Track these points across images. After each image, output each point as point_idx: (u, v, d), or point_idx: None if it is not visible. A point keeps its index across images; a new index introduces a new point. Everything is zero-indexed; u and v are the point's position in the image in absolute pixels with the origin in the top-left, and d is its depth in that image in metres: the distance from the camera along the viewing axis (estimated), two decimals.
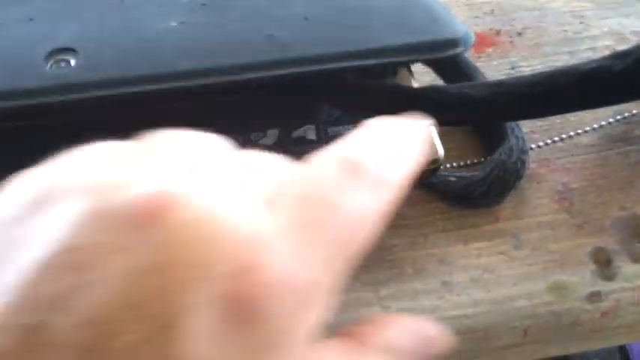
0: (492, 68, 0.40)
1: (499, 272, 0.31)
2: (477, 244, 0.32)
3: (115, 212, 0.14)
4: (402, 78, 0.36)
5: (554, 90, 0.31)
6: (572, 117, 0.37)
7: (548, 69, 0.39)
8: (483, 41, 0.42)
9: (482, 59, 0.41)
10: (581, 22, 0.44)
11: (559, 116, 0.37)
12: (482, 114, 0.33)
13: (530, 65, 0.41)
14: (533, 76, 0.32)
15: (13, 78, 0.28)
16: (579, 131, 0.36)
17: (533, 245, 0.32)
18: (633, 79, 0.29)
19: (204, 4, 0.31)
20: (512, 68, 0.40)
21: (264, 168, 0.17)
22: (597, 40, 0.42)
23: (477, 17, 0.44)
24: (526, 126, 0.37)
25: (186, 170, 0.16)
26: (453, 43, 0.30)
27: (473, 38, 0.30)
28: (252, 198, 0.16)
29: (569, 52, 0.41)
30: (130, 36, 0.29)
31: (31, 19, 0.31)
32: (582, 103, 0.32)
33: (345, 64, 0.29)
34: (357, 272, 0.30)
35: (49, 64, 0.28)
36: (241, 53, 0.28)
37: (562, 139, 0.36)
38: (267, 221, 0.15)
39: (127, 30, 0.30)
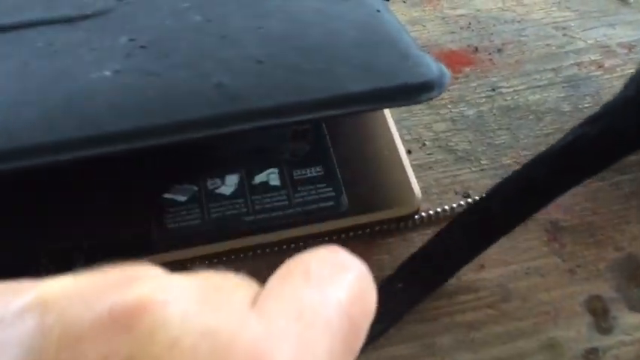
0: (471, 91, 0.37)
1: (487, 330, 0.28)
2: (462, 297, 0.29)
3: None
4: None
5: (536, 184, 0.27)
6: None
7: (529, 89, 0.36)
8: (460, 60, 0.39)
9: (460, 80, 0.38)
10: (564, 35, 0.41)
11: (544, 144, 0.34)
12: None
13: (512, 86, 0.38)
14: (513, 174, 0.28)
15: None
16: None
17: (522, 296, 0.29)
18: (610, 142, 0.26)
19: (143, 47, 0.27)
20: (493, 90, 0.37)
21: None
22: (582, 54, 0.40)
23: (452, 32, 0.41)
24: (509, 157, 0.34)
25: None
26: (427, 86, 0.26)
27: (448, 77, 0.27)
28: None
29: (554, 70, 0.38)
30: (55, 90, 0.25)
31: None
32: (572, 181, 0.28)
33: (304, 116, 0.25)
34: None
35: None
36: (185, 107, 0.24)
37: None
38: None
39: (53, 83, 0.25)
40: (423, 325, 0.28)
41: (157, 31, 0.28)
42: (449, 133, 0.35)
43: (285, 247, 0.30)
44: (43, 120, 0.24)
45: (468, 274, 0.30)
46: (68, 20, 0.29)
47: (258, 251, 0.30)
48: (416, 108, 0.36)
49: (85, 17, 0.29)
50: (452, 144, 0.35)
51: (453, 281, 0.29)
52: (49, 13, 0.29)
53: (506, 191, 0.27)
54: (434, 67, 0.26)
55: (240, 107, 0.24)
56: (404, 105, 0.27)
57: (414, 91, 0.26)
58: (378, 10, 0.29)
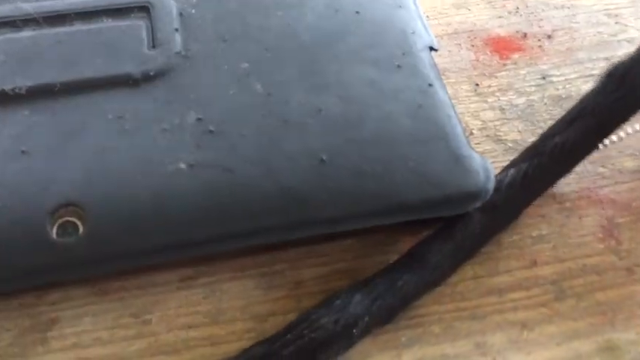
0: (521, 79, 0.36)
1: (540, 330, 0.27)
2: (513, 295, 0.27)
3: None
4: None
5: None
6: (614, 136, 0.32)
7: (581, 78, 0.35)
8: (509, 46, 0.38)
9: (508, 67, 0.36)
10: (616, 23, 0.39)
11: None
12: None
13: (563, 75, 0.36)
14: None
15: (15, 251, 0.24)
16: (625, 154, 0.32)
17: (577, 295, 0.27)
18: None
19: (211, 132, 0.27)
20: (543, 78, 0.36)
21: None
22: (636, 44, 0.38)
23: (500, 17, 0.39)
24: None
25: None
26: (473, 197, 0.26)
27: (492, 183, 0.27)
28: None
29: (606, 59, 0.37)
30: (138, 186, 0.25)
31: (24, 152, 0.26)
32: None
33: (360, 224, 0.27)
34: (374, 333, 0.26)
35: (54, 230, 0.24)
36: (260, 213, 0.25)
37: (604, 165, 0.32)
38: None
39: (133, 175, 0.26)
40: (474, 322, 0.27)
41: (222, 106, 0.28)
42: (497, 123, 0.34)
43: None
44: (131, 225, 0.25)
45: (519, 270, 0.28)
46: (133, 82, 0.28)
47: None
48: (462, 95, 0.35)
49: (149, 78, 0.28)
50: (500, 134, 0.33)
51: (503, 278, 0.28)
52: (110, 69, 0.28)
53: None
54: (481, 173, 0.26)
55: (307, 216, 0.25)
56: (445, 214, 0.27)
57: (460, 202, 0.26)
58: (431, 85, 0.29)
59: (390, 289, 0.25)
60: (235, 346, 0.26)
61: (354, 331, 0.24)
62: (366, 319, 0.24)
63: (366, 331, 0.25)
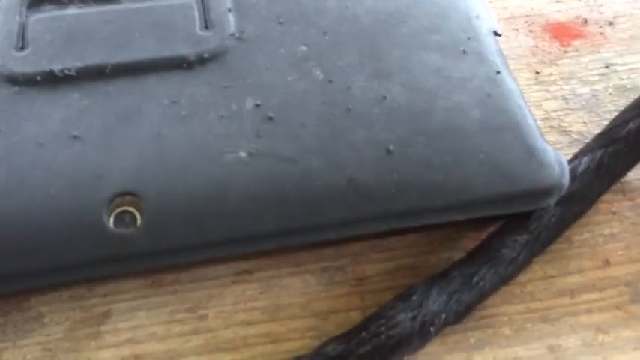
0: (583, 67, 0.34)
1: (616, 333, 0.25)
2: (586, 296, 0.26)
3: None
4: None
5: None
6: None
7: None
8: (569, 32, 0.36)
9: (569, 55, 0.35)
10: None
11: None
12: None
13: (627, 64, 0.34)
14: None
15: (71, 243, 0.23)
16: None
17: None
18: None
19: (271, 118, 0.25)
20: (607, 67, 0.34)
21: None
22: None
23: (558, 2, 0.38)
24: None
25: None
26: (548, 192, 0.25)
27: (567, 178, 0.25)
28: None
29: None
30: (196, 174, 0.24)
31: (76, 137, 0.25)
32: None
33: (431, 220, 0.25)
34: (443, 334, 0.25)
35: (111, 220, 0.23)
36: (322, 207, 0.24)
37: None
38: None
39: (191, 163, 0.24)
40: (546, 324, 0.25)
41: (281, 92, 0.26)
42: (561, 113, 0.32)
43: None
44: (189, 216, 0.23)
45: (591, 270, 0.27)
46: (187, 65, 0.27)
47: None
48: (522, 83, 0.33)
49: (203, 61, 0.27)
50: (565, 125, 0.32)
51: (575, 278, 0.27)
52: (163, 51, 0.27)
53: None
54: (556, 167, 0.25)
55: (373, 210, 0.24)
56: (519, 210, 0.25)
57: (535, 198, 0.25)
58: (498, 72, 0.27)
59: (467, 285, 0.24)
60: (297, 344, 0.25)
61: (431, 328, 0.23)
62: (444, 315, 0.23)
63: (441, 329, 0.24)
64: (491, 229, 0.27)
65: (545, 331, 0.25)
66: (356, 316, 0.25)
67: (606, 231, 0.28)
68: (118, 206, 0.24)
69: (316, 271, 0.27)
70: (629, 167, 0.28)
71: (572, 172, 0.26)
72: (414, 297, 0.23)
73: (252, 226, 0.24)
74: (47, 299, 0.25)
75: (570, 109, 0.32)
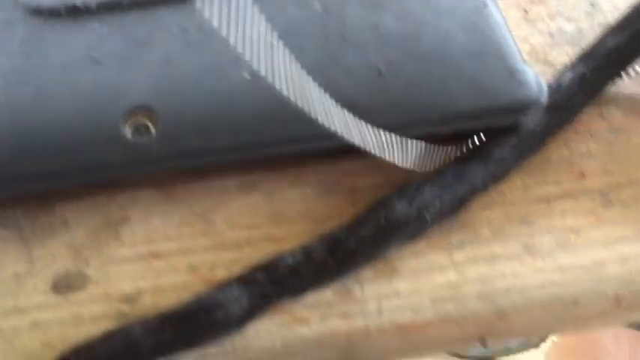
0: (570, 6, 0.36)
1: (587, 234, 0.28)
2: (561, 203, 0.28)
3: None
4: None
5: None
6: None
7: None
8: None
9: None
10: None
11: None
12: None
13: (613, 2, 0.36)
14: None
15: (94, 149, 0.26)
16: None
17: (624, 204, 0.28)
18: None
19: (272, 45, 0.28)
20: (592, 5, 0.36)
21: None
22: None
23: None
24: None
25: None
26: (526, 107, 0.27)
27: (545, 94, 0.28)
28: None
29: None
30: (204, 91, 0.27)
31: (96, 60, 0.28)
32: None
33: (413, 131, 0.27)
34: (428, 237, 0.27)
35: (128, 131, 0.26)
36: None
37: None
38: None
39: (200, 81, 0.27)
40: (523, 226, 0.28)
41: (282, 22, 0.29)
42: (547, 47, 0.34)
43: None
44: (199, 126, 0.26)
45: (567, 182, 0.29)
46: None
47: None
48: (511, 21, 0.35)
49: None
50: (551, 58, 0.34)
51: (551, 188, 0.29)
52: None
53: None
54: (534, 85, 0.27)
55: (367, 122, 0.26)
56: (498, 123, 0.28)
57: (513, 112, 0.27)
58: (485, 5, 0.30)
59: (458, 179, 0.27)
60: (296, 243, 0.27)
61: (427, 215, 0.26)
62: (437, 203, 0.26)
63: (436, 219, 0.26)
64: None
65: (522, 232, 0.28)
66: (348, 221, 0.28)
67: (583, 149, 0.30)
68: (134, 119, 0.26)
69: (314, 184, 0.29)
70: (609, 81, 0.30)
71: (558, 84, 0.29)
72: (410, 189, 0.26)
73: (255, 135, 0.27)
74: (70, 206, 0.28)
75: (556, 43, 0.35)
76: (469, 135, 0.29)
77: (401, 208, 0.26)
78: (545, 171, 0.29)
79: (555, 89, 0.29)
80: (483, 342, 0.27)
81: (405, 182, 0.27)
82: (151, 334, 0.24)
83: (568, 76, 0.29)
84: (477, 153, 0.28)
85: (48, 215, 0.28)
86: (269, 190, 0.29)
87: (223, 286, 0.25)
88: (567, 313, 0.26)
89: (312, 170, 0.30)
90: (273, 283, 0.25)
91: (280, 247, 0.27)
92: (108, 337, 0.24)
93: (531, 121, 0.28)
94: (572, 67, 0.30)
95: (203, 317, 0.24)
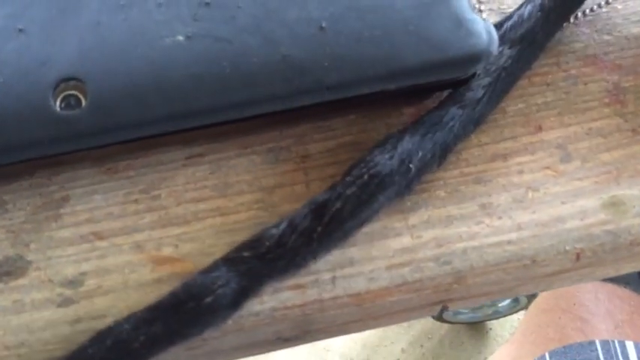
0: None
1: (545, 190, 0.27)
2: (518, 159, 0.28)
3: None
4: None
5: None
6: (620, 4, 0.32)
7: None
8: None
9: None
10: None
11: (604, 6, 0.32)
12: None
13: None
14: None
15: (22, 124, 0.25)
16: (631, 20, 0.31)
17: (582, 157, 0.28)
18: None
19: (207, 3, 0.26)
20: None
21: None
22: None
23: None
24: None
25: None
26: (476, 58, 0.26)
27: (496, 44, 0.26)
28: None
29: None
30: (136, 58, 0.25)
31: (20, 30, 0.26)
32: None
33: (363, 90, 0.26)
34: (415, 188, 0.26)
35: (58, 103, 0.25)
36: (258, 82, 0.25)
37: (610, 32, 0.31)
38: None
39: (131, 48, 0.25)
40: (479, 185, 0.27)
41: None
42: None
43: None
44: (132, 95, 0.25)
45: (524, 136, 0.28)
46: None
47: None
48: None
49: None
50: (504, 7, 0.33)
51: (508, 144, 0.28)
52: None
53: None
54: (484, 35, 0.26)
55: (307, 83, 0.25)
56: (449, 76, 0.27)
57: (464, 64, 0.26)
58: None
59: (438, 125, 0.26)
60: (244, 216, 0.26)
61: (410, 165, 0.25)
62: (420, 153, 0.25)
63: (422, 169, 0.25)
64: (429, 103, 0.28)
65: (478, 192, 0.27)
66: (300, 190, 0.27)
67: (540, 100, 0.29)
68: (63, 90, 0.25)
69: (262, 152, 0.28)
70: (570, 10, 0.30)
71: (519, 17, 0.28)
72: (389, 142, 0.25)
73: (192, 102, 0.25)
74: (9, 188, 0.27)
75: None
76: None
77: (383, 161, 0.24)
78: (501, 126, 0.29)
79: (517, 22, 0.28)
80: (445, 307, 0.27)
81: (384, 136, 0.26)
82: (140, 328, 0.23)
83: (528, 9, 0.29)
84: (452, 99, 0.27)
85: None
86: (216, 160, 0.28)
87: (209, 269, 0.23)
88: (526, 272, 0.26)
89: (259, 137, 0.28)
90: (261, 260, 0.23)
91: (229, 219, 0.26)
92: (97, 338, 0.23)
93: (500, 57, 0.27)
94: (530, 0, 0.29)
95: (192, 305, 0.23)
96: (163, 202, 0.27)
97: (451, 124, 0.26)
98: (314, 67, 0.26)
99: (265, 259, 0.23)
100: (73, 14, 0.26)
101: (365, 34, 0.26)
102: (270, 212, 0.26)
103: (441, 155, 0.26)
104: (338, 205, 0.24)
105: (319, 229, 0.24)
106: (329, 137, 0.28)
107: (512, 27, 0.28)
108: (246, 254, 0.23)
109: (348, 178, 0.24)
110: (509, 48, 0.28)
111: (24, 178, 0.27)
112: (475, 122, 0.27)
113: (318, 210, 0.24)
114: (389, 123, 0.29)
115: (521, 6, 0.29)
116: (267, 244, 0.23)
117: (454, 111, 0.26)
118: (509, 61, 0.28)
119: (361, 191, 0.24)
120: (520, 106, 0.29)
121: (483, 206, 0.26)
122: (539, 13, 0.28)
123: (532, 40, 0.28)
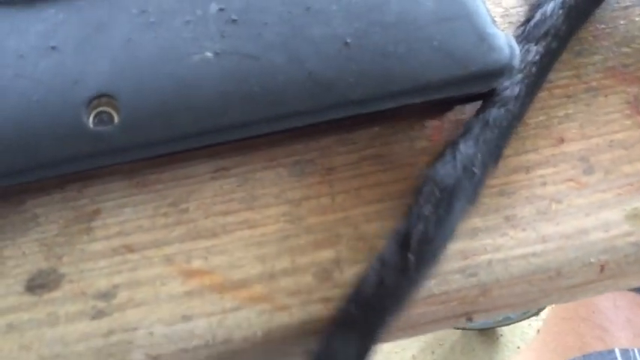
0: None
1: (569, 202, 0.27)
2: (541, 171, 0.28)
3: None
4: None
5: None
6: (637, 17, 0.32)
7: None
8: None
9: None
10: None
11: (622, 18, 0.32)
12: None
13: None
14: None
15: (56, 141, 0.25)
16: None
17: (605, 169, 0.28)
18: None
19: (234, 20, 0.27)
20: None
21: None
22: None
23: None
24: (587, 30, 0.32)
25: None
26: (499, 73, 0.27)
27: (518, 58, 0.27)
28: None
29: None
30: (166, 75, 0.26)
31: (53, 48, 0.27)
32: None
33: (388, 104, 0.27)
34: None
35: (91, 120, 0.25)
36: (286, 98, 0.26)
37: (628, 45, 0.31)
38: None
39: (161, 65, 0.26)
40: (502, 197, 0.27)
41: None
42: (520, 9, 0.33)
43: None
44: (162, 112, 0.26)
45: (546, 148, 0.29)
46: None
47: None
48: None
49: None
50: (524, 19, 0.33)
51: (530, 156, 0.28)
52: None
53: None
54: (506, 49, 0.27)
55: (333, 98, 0.26)
56: (472, 91, 0.27)
57: (487, 78, 0.27)
58: None
59: (486, 127, 0.26)
60: (272, 229, 0.27)
61: (474, 169, 0.25)
62: (479, 156, 0.25)
63: (484, 172, 0.26)
64: (451, 115, 0.29)
65: (502, 204, 0.27)
66: (326, 202, 0.27)
67: (561, 113, 0.30)
68: (95, 107, 0.26)
69: (288, 165, 0.28)
70: (590, 7, 0.31)
71: (542, 15, 0.29)
72: (447, 153, 0.26)
73: (220, 119, 0.26)
74: (41, 201, 0.27)
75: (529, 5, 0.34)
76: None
77: (448, 172, 0.25)
78: (522, 139, 0.29)
79: (541, 20, 0.29)
80: (470, 319, 0.27)
81: (438, 153, 0.26)
82: None
83: (550, 6, 0.29)
84: (490, 101, 0.27)
85: (18, 212, 0.27)
86: (243, 174, 0.28)
87: (327, 335, 0.23)
88: (551, 284, 0.26)
89: (284, 150, 0.29)
90: (367, 309, 0.23)
91: (256, 232, 0.27)
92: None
93: (527, 53, 0.28)
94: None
95: None
96: (192, 214, 0.27)
97: (497, 124, 0.26)
98: (339, 83, 0.26)
99: (371, 307, 0.23)
100: (104, 32, 0.27)
101: (389, 50, 0.27)
102: (296, 225, 0.27)
103: (497, 155, 0.27)
104: (420, 228, 0.24)
105: (412, 258, 0.23)
106: (353, 150, 0.29)
107: (536, 25, 0.29)
108: (352, 309, 0.23)
109: (420, 200, 0.24)
110: (536, 44, 0.28)
111: (55, 191, 0.28)
112: (518, 118, 0.28)
113: (404, 241, 0.24)
114: (412, 135, 0.29)
115: (541, 4, 0.30)
116: (369, 291, 0.23)
117: (496, 112, 0.27)
118: (537, 57, 0.28)
119: (437, 208, 0.24)
120: (541, 118, 0.29)
121: (507, 218, 0.27)
122: (560, 10, 0.29)
123: (555, 35, 0.29)
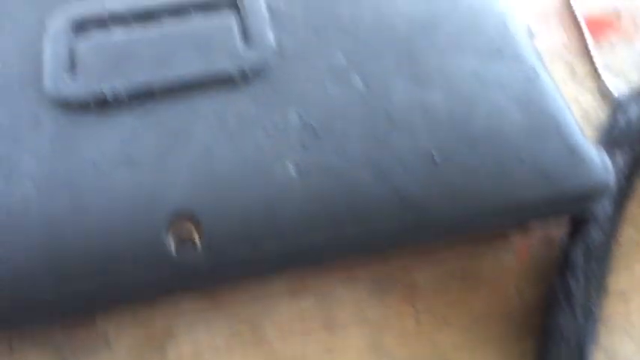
0: (618, 60, 0.34)
1: None
2: (638, 298, 0.27)
3: None
4: None
5: None
6: None
7: None
8: (602, 26, 0.36)
9: (603, 48, 0.35)
10: None
11: None
12: None
13: None
14: None
15: (136, 267, 0.24)
16: None
17: None
18: None
19: (315, 130, 0.26)
20: None
21: None
22: None
23: None
24: None
25: None
26: (593, 191, 0.25)
27: (612, 175, 0.26)
28: None
29: None
30: (248, 191, 0.25)
31: (131, 160, 0.25)
32: None
33: (479, 225, 0.26)
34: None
35: (174, 248, 0.24)
36: (371, 218, 0.25)
37: None
38: None
39: (242, 179, 0.25)
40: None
41: (322, 103, 0.27)
42: (598, 108, 0.32)
43: None
44: (245, 234, 0.24)
45: None
46: (231, 82, 0.27)
47: None
48: (558, 79, 0.33)
49: (245, 77, 0.27)
50: (603, 119, 0.32)
51: (623, 280, 0.27)
52: (207, 68, 0.27)
53: None
54: (600, 164, 0.25)
55: (421, 220, 0.25)
56: (565, 213, 0.27)
57: (581, 199, 0.26)
58: (536, 72, 0.28)
59: (590, 255, 0.26)
60: (354, 357, 0.25)
61: (592, 307, 0.25)
62: (592, 292, 0.25)
63: (598, 306, 0.25)
64: (536, 228, 0.28)
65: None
66: (410, 326, 0.26)
67: None
68: (177, 229, 0.24)
69: (367, 282, 0.27)
70: None
71: (627, 121, 0.29)
72: (570, 284, 0.25)
73: (304, 240, 0.25)
74: (111, 318, 0.26)
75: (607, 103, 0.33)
76: None
77: (569, 326, 0.25)
78: (616, 257, 0.27)
79: (626, 127, 0.28)
80: None
81: (547, 290, 0.26)
82: None
83: (634, 110, 0.28)
84: (583, 222, 0.27)
85: (88, 331, 0.26)
86: (320, 291, 0.27)
87: None
88: None
89: (363, 267, 0.28)
90: None
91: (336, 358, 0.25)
92: None
93: (615, 161, 0.27)
94: (632, 99, 0.29)
95: None
96: (268, 335, 0.26)
97: (599, 250, 0.26)
98: (427, 203, 0.25)
99: None
100: (182, 142, 0.26)
101: (478, 168, 0.25)
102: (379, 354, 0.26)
103: (605, 285, 0.26)
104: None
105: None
106: (435, 264, 0.28)
107: (621, 130, 0.28)
108: None
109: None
110: (621, 151, 0.27)
111: (127, 309, 0.26)
112: (612, 235, 0.27)
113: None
114: (495, 246, 0.28)
115: (623, 105, 0.29)
116: None
117: (595, 235, 0.26)
118: (625, 165, 0.27)
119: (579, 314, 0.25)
120: (631, 233, 0.28)
121: (605, 350, 0.25)
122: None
123: None
